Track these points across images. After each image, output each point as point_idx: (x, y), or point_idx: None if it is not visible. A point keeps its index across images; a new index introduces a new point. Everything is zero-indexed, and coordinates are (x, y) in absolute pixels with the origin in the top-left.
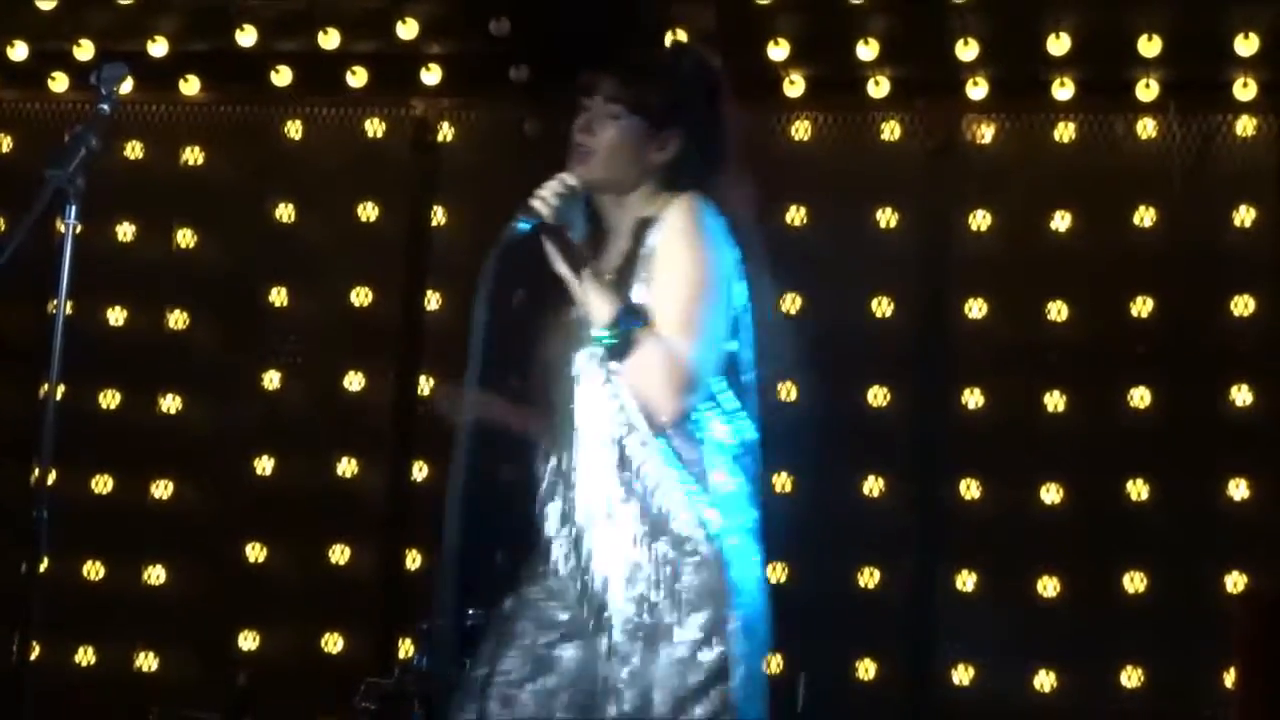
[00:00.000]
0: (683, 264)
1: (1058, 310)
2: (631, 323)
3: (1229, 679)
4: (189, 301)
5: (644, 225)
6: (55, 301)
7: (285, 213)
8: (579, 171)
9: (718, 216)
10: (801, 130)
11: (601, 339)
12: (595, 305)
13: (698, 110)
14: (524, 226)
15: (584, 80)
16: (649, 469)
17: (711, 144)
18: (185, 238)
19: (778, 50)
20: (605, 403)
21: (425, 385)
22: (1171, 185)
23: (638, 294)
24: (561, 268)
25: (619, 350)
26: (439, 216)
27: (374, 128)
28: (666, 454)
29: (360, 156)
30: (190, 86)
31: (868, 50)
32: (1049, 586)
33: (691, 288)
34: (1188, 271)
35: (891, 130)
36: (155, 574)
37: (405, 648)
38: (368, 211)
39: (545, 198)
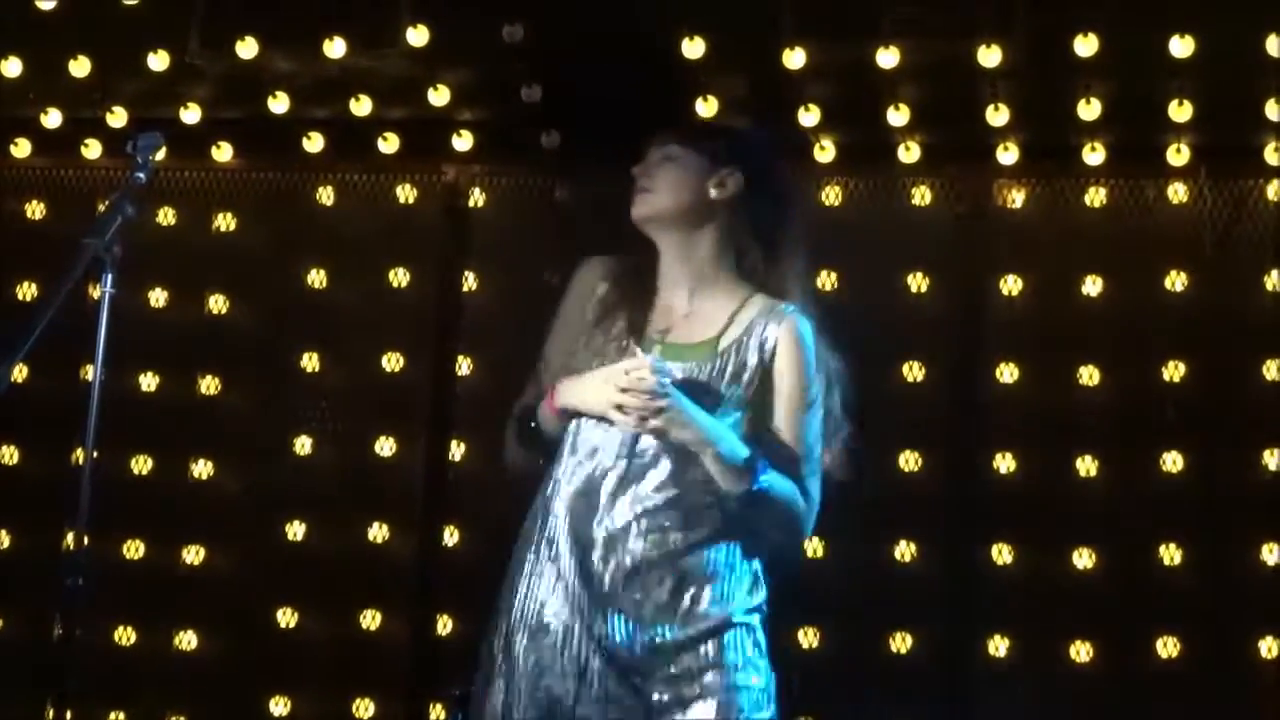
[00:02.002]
0: (806, 397)
1: (1089, 375)
2: (763, 472)
3: None
4: (220, 367)
5: (736, 308)
6: (90, 368)
7: (317, 278)
8: (639, 211)
9: (815, 334)
10: (832, 195)
11: (733, 501)
12: (725, 476)
13: (756, 155)
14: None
15: (644, 148)
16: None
17: (774, 191)
18: (217, 303)
19: (809, 116)
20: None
21: (456, 450)
22: (1203, 250)
23: (750, 395)
24: (685, 439)
25: (749, 505)
26: (470, 282)
27: (405, 194)
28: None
29: (391, 222)
30: (222, 153)
31: (898, 116)
32: (1082, 651)
33: (812, 421)
34: (1219, 336)
35: (922, 195)
36: (187, 639)
37: (436, 713)
38: (399, 277)
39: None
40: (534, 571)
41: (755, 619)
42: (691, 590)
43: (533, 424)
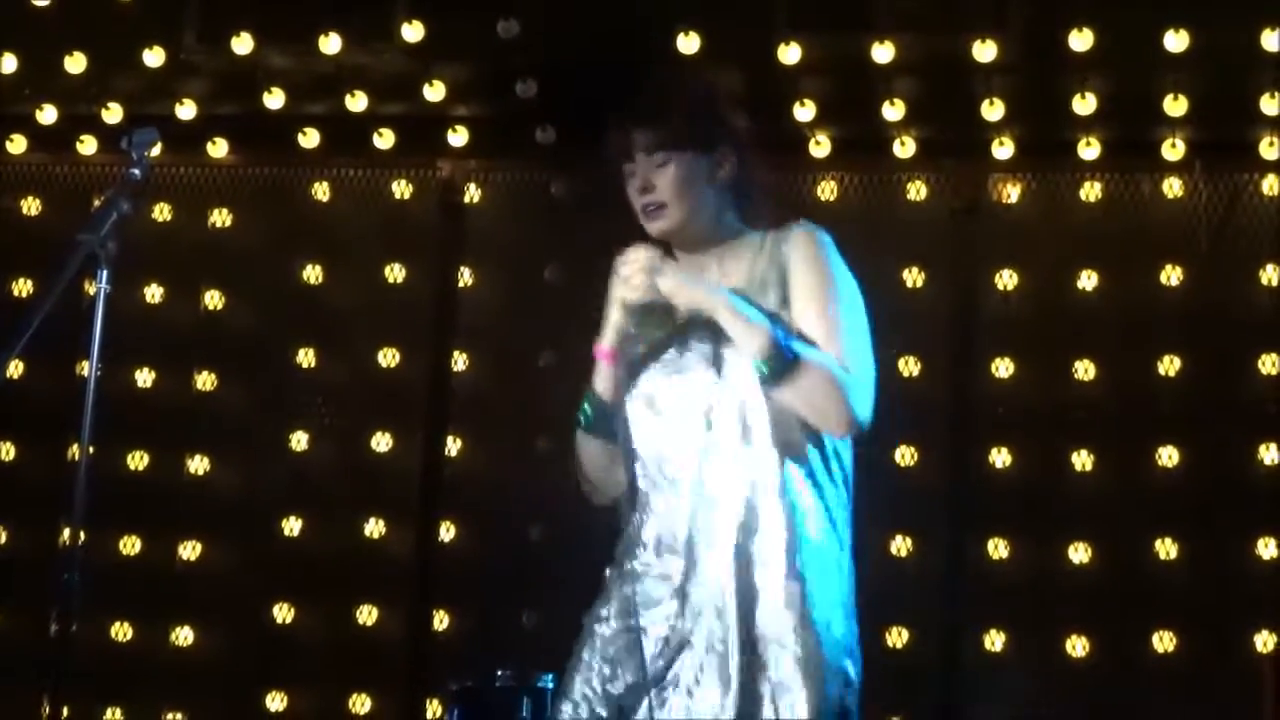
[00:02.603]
0: (827, 286)
1: (1084, 369)
2: (791, 341)
3: None
4: (217, 363)
5: (755, 251)
6: (86, 364)
7: (313, 274)
8: (660, 228)
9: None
10: (828, 190)
11: (760, 364)
12: (743, 333)
13: (728, 117)
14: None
15: (616, 146)
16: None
17: (747, 138)
18: (213, 299)
19: (804, 111)
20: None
21: (452, 446)
22: (1198, 244)
23: (785, 316)
24: (696, 299)
25: (780, 372)
26: (466, 277)
27: (401, 189)
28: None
29: (387, 218)
30: (218, 149)
31: (894, 111)
32: (1078, 646)
33: (842, 304)
34: (1215, 330)
35: (918, 190)
36: (183, 635)
37: (433, 708)
38: (395, 273)
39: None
40: None
41: None
42: None
43: (590, 407)
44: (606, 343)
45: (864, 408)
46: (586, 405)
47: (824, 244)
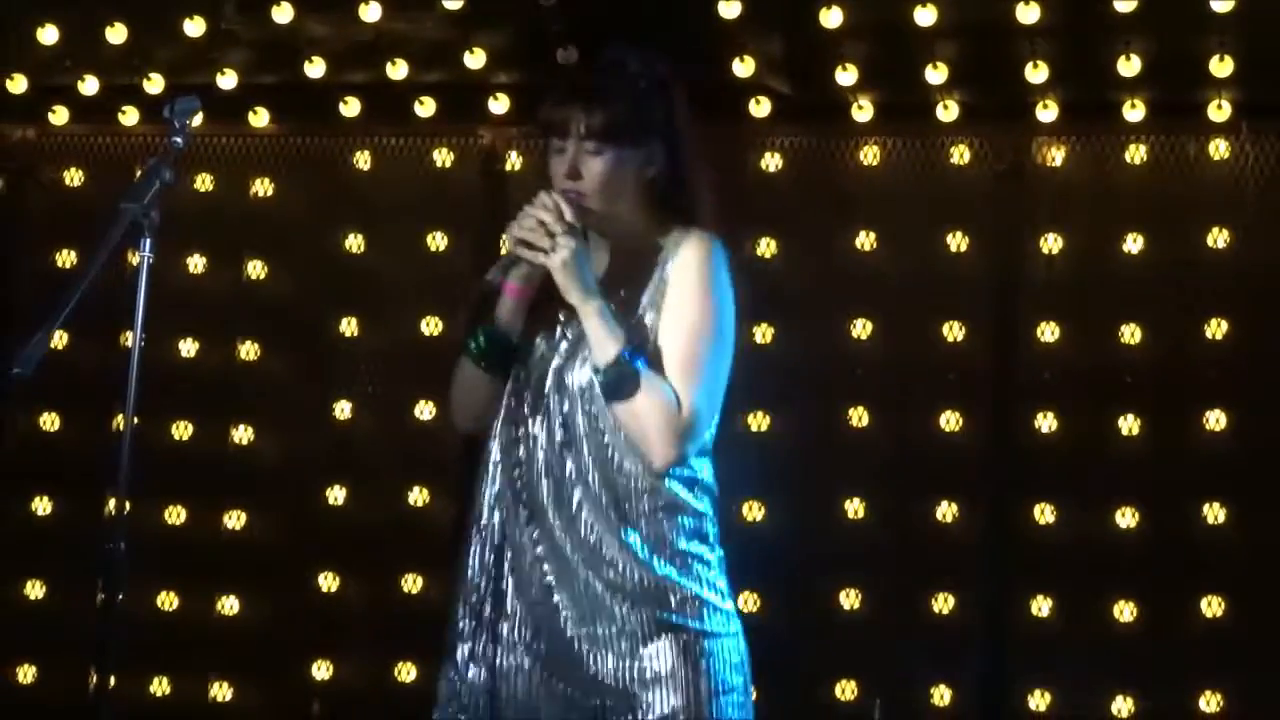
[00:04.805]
0: (694, 305)
1: (1130, 333)
2: (635, 361)
3: None
4: (259, 333)
5: (655, 252)
6: (129, 334)
7: (354, 243)
8: (577, 215)
9: (727, 255)
10: (870, 155)
11: (600, 375)
12: (599, 340)
13: (668, 110)
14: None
15: (553, 116)
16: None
17: (685, 134)
18: (255, 269)
19: (846, 75)
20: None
21: None
22: (1244, 206)
23: (649, 321)
24: (572, 291)
25: (617, 389)
26: (507, 245)
27: (442, 157)
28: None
29: (429, 186)
30: (259, 118)
31: (936, 74)
32: (1125, 611)
33: (701, 331)
34: (1262, 293)
35: (961, 154)
36: (229, 604)
37: None
38: (436, 241)
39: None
40: None
41: None
42: None
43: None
44: (514, 279)
45: (688, 445)
46: (482, 339)
47: (714, 256)
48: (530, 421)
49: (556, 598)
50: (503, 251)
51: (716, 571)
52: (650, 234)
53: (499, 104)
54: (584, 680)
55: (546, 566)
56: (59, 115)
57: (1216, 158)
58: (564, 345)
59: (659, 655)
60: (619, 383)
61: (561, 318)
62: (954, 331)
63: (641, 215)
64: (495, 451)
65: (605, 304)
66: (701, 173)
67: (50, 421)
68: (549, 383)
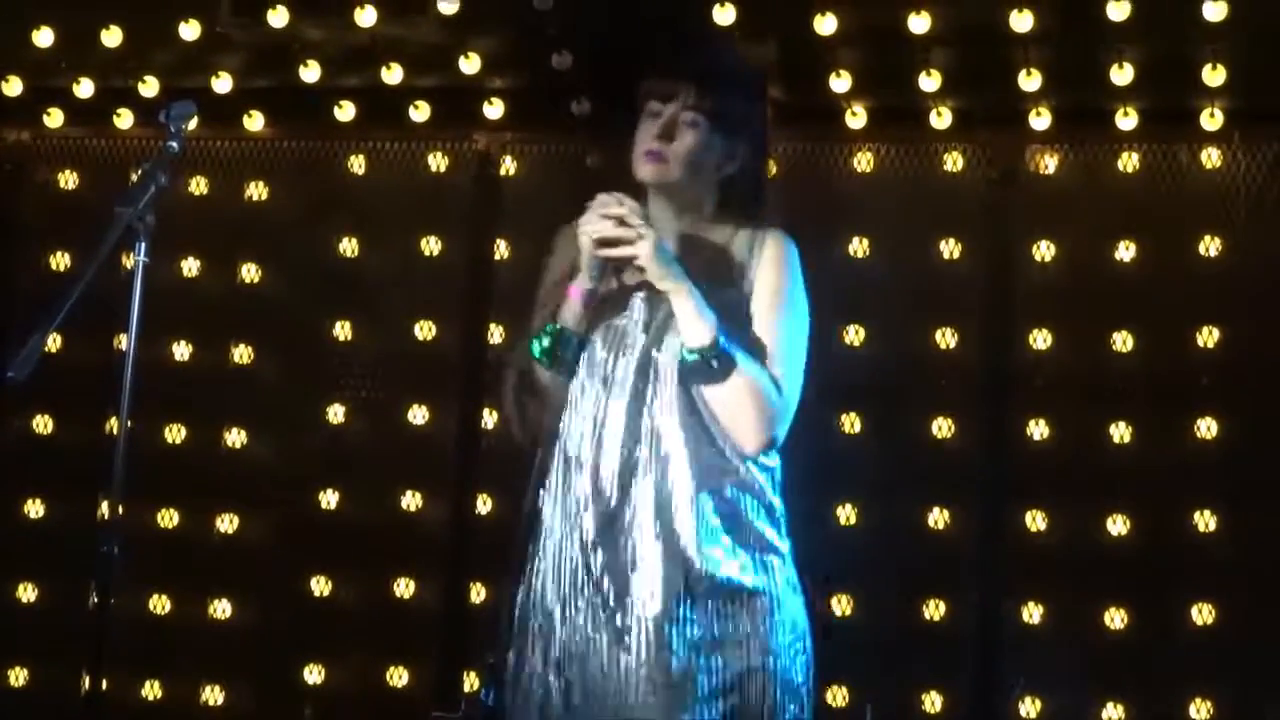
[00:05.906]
0: (784, 300)
1: (1123, 340)
2: (730, 344)
3: None
4: (253, 336)
5: (724, 245)
6: (123, 337)
7: (348, 247)
8: (655, 172)
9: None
10: (864, 161)
11: (694, 355)
12: (692, 322)
13: (758, 116)
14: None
15: (660, 86)
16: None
17: (765, 143)
18: (249, 272)
19: (839, 82)
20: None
21: (488, 418)
22: (1236, 214)
23: (738, 311)
24: (665, 281)
25: (711, 371)
26: (501, 250)
27: (437, 162)
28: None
29: (423, 190)
30: (254, 122)
31: (930, 81)
32: (1116, 618)
33: (792, 325)
34: (1253, 301)
35: (954, 161)
36: (221, 608)
37: (470, 681)
38: (430, 245)
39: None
40: None
41: None
42: None
43: (555, 341)
44: (579, 283)
45: (780, 430)
46: (548, 340)
47: (794, 254)
48: (608, 408)
49: (634, 578)
50: (582, 257)
51: (788, 563)
52: (715, 228)
53: (493, 108)
54: (663, 661)
55: (630, 546)
56: (54, 117)
57: (1209, 166)
58: (642, 335)
59: (731, 629)
60: (714, 364)
61: (639, 305)
62: (946, 338)
63: (709, 207)
64: (570, 446)
65: (695, 286)
66: (768, 180)
67: (44, 424)
68: (634, 368)
